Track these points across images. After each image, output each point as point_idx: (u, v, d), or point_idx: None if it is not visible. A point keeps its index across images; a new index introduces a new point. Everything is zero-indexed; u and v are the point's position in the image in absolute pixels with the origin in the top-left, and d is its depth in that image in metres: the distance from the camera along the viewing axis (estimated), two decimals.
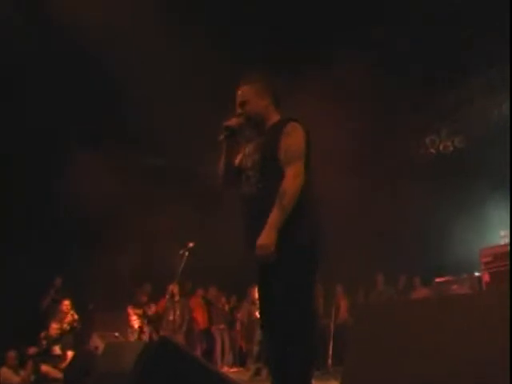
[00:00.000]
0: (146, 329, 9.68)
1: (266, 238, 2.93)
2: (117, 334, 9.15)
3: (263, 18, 7.94)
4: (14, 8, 7.69)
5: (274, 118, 3.31)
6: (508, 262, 6.39)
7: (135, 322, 9.65)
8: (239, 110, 3.30)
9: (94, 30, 7.43)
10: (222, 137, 3.29)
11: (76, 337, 9.05)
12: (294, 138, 3.13)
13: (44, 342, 8.55)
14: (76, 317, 9.11)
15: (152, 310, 10.12)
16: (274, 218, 2.96)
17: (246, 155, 3.33)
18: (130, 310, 9.84)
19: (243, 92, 3.32)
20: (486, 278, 6.67)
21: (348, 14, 7.87)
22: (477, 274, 7.52)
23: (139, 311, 9.82)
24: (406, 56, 8.65)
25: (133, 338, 9.43)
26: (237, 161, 3.37)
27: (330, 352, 8.00)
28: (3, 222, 9.67)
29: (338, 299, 9.72)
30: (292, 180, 3.01)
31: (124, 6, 7.21)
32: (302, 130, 3.16)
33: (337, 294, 9.82)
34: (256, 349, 9.09)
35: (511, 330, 1.97)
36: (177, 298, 9.90)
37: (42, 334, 8.68)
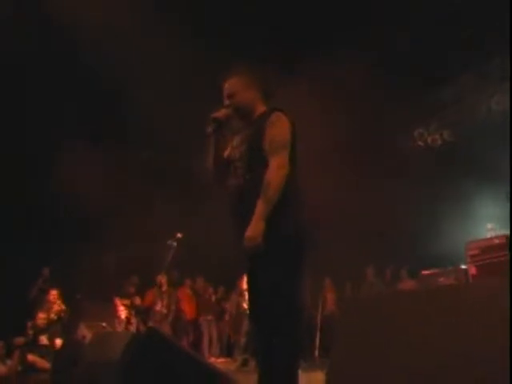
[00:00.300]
0: (134, 320, 9.68)
1: (253, 229, 2.95)
2: (104, 324, 9.14)
3: (263, 18, 7.92)
4: (14, 7, 7.62)
5: (261, 109, 3.33)
6: (494, 255, 6.46)
7: (122, 313, 9.64)
8: (227, 102, 3.31)
9: (94, 30, 7.40)
10: (209, 129, 3.29)
11: (63, 327, 9.03)
12: (278, 128, 3.14)
13: (30, 332, 8.52)
14: (63, 307, 9.08)
15: (139, 300, 10.13)
16: (260, 209, 2.97)
17: (233, 147, 3.34)
18: (118, 301, 9.83)
19: (231, 84, 3.33)
20: (473, 270, 6.73)
21: (339, 12, 7.87)
22: (463, 266, 7.58)
23: (127, 302, 9.82)
24: (396, 51, 8.68)
25: (120, 328, 9.43)
26: (225, 153, 3.38)
27: (317, 344, 8.05)
28: None
29: (325, 291, 9.77)
30: (276, 170, 3.02)
31: (124, 6, 7.19)
32: (286, 120, 3.18)
33: (325, 287, 9.87)
34: (243, 340, 9.13)
35: (502, 322, 2.00)
36: (164, 288, 9.91)
37: (29, 324, 8.66)
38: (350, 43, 8.05)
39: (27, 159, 9.93)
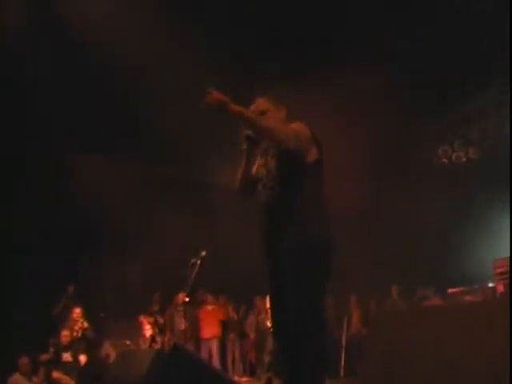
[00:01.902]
0: (158, 338, 9.67)
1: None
2: (128, 342, 9.15)
3: (268, 21, 7.93)
4: (20, 8, 7.72)
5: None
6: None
7: (147, 331, 9.65)
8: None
9: (109, 38, 7.49)
10: (244, 146, 3.31)
11: (88, 344, 9.06)
12: (300, 127, 3.19)
13: (52, 349, 8.56)
14: (86, 325, 9.11)
15: (162, 319, 10.12)
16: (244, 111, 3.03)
17: (260, 165, 3.38)
18: (143, 319, 9.85)
19: (263, 101, 3.38)
20: (501, 288, 6.61)
21: (369, 24, 7.87)
22: (490, 284, 7.45)
23: (151, 320, 9.82)
24: (420, 66, 8.64)
25: (144, 346, 9.43)
26: (254, 170, 3.41)
27: (343, 363, 7.95)
28: (18, 233, 9.74)
29: (350, 310, 9.68)
30: (279, 129, 3.10)
31: (139, 14, 7.28)
32: (307, 128, 3.22)
33: (350, 304, 9.78)
34: (267, 358, 9.06)
35: None
36: (187, 306, 9.89)
37: (51, 341, 8.71)
38: (374, 56, 8.04)
39: (48, 172, 9.99)
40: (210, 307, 10.91)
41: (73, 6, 7.40)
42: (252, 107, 3.35)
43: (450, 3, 7.54)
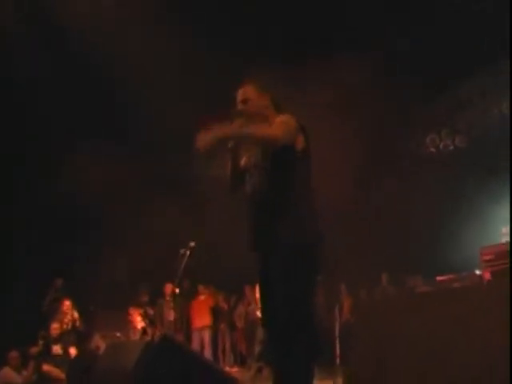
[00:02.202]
0: (149, 330, 9.67)
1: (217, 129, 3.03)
2: (118, 334, 9.14)
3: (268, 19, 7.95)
4: (15, 7, 7.69)
5: (273, 118, 3.34)
6: (509, 260, 6.39)
7: (138, 323, 9.64)
8: (240, 107, 3.33)
9: (98, 35, 7.46)
10: (230, 144, 3.30)
11: (78, 336, 9.05)
12: (284, 119, 3.20)
13: (41, 342, 8.53)
14: (76, 316, 9.09)
15: (152, 310, 10.11)
16: (238, 125, 3.10)
17: (248, 156, 3.39)
18: (132, 311, 9.83)
19: (245, 90, 3.36)
20: (487, 275, 6.66)
21: (354, 13, 7.88)
22: (478, 272, 7.51)
23: (141, 311, 9.81)
24: (406, 56, 8.66)
25: (135, 338, 9.41)
26: (242, 162, 3.42)
27: (338, 352, 7.97)
28: (4, 222, 9.68)
29: (341, 298, 9.73)
30: (275, 131, 3.09)
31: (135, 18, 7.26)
32: (294, 121, 3.21)
33: (341, 293, 9.83)
34: (258, 348, 9.08)
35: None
36: (176, 297, 9.89)
37: (40, 334, 8.68)
38: (359, 47, 8.06)
39: (35, 175, 9.96)
40: (201, 297, 10.90)
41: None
42: (239, 95, 3.35)
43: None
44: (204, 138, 3.02)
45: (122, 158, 10.33)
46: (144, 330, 9.57)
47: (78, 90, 8.74)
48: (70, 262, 10.04)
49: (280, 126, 3.14)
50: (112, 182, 9.76)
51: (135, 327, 9.69)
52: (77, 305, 9.29)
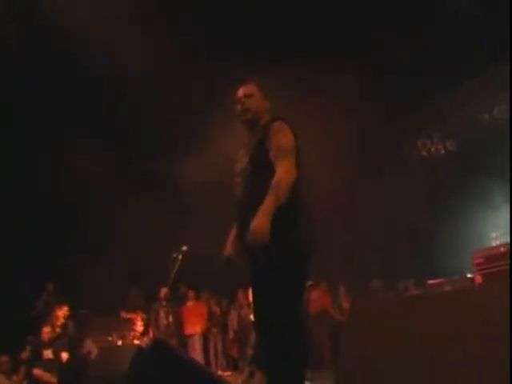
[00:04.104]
0: (142, 334, 9.63)
1: (260, 223, 2.91)
2: (110, 338, 9.10)
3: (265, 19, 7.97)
4: (8, 8, 7.68)
5: (266, 118, 3.39)
6: (499, 264, 6.44)
7: (131, 327, 9.60)
8: (243, 100, 3.37)
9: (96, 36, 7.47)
10: None
11: (70, 341, 8.99)
12: (283, 136, 3.18)
13: (29, 348, 8.45)
14: (68, 321, 9.03)
15: (146, 314, 10.07)
16: (268, 204, 2.95)
17: (238, 160, 3.38)
18: (124, 315, 9.79)
19: (249, 87, 3.41)
20: (478, 279, 6.71)
21: (346, 16, 7.92)
22: (469, 275, 7.56)
23: (134, 316, 9.77)
24: (398, 60, 8.71)
25: (128, 343, 9.38)
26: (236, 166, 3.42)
27: (330, 354, 7.99)
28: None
29: (340, 300, 9.78)
30: (285, 174, 3.03)
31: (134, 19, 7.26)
32: (289, 129, 3.22)
33: (338, 295, 9.87)
34: (250, 352, 9.06)
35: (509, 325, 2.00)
36: (169, 301, 9.86)
37: (29, 339, 8.62)
38: (352, 53, 8.10)
39: (28, 171, 9.92)
40: (194, 301, 10.87)
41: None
42: (242, 90, 3.40)
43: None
44: (260, 235, 2.91)
45: (122, 158, 10.37)
46: (137, 335, 9.53)
47: (68, 92, 8.71)
48: (60, 265, 9.99)
49: (286, 148, 3.13)
50: (102, 186, 9.76)
51: (128, 331, 9.64)
52: (68, 309, 9.24)
